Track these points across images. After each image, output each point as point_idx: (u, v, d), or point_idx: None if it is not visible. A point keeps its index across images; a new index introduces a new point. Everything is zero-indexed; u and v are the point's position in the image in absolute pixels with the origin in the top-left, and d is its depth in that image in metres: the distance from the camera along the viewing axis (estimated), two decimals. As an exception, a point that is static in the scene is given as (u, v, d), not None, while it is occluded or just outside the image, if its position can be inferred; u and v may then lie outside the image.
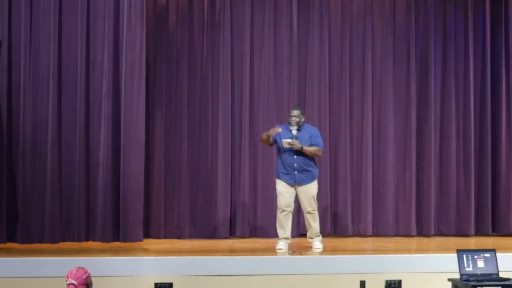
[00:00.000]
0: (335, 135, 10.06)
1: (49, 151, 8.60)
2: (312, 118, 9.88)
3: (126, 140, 8.74)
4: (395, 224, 10.10)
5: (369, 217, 10.01)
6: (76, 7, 8.76)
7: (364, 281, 7.25)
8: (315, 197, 8.37)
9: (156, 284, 7.14)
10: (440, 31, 10.27)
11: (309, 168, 8.29)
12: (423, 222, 10.14)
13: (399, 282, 7.04)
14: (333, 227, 10.00)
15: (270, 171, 9.66)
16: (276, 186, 8.35)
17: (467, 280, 6.51)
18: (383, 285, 7.24)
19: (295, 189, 8.28)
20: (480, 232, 10.19)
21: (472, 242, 9.74)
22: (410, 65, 10.16)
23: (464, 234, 10.10)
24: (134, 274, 7.31)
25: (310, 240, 8.42)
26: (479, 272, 6.63)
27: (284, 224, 8.27)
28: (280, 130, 8.21)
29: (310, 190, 8.30)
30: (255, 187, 9.78)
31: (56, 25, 8.69)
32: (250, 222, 9.74)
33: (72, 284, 4.56)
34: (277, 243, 8.31)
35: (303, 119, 8.38)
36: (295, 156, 8.22)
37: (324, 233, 9.78)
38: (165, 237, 9.49)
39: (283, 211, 8.25)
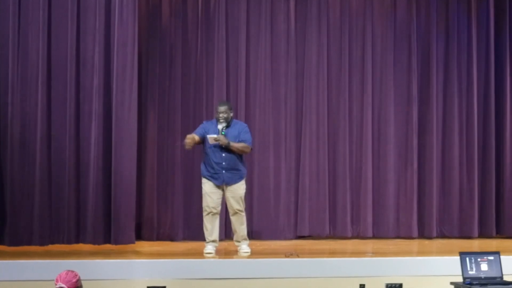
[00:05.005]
0: (334, 134, 9.98)
1: (38, 150, 8.53)
2: (310, 116, 9.85)
3: (117, 139, 8.68)
4: (395, 226, 10.01)
5: (369, 219, 9.92)
6: (66, 2, 8.71)
7: (363, 285, 7.22)
8: (243, 197, 8.17)
9: (148, 288, 7.04)
10: (442, 26, 10.18)
11: (237, 167, 8.06)
12: (425, 224, 10.06)
13: (400, 285, 6.96)
14: (332, 228, 9.91)
15: (267, 171, 9.61)
16: (203, 186, 8.10)
17: (470, 284, 6.43)
18: (383, 288, 7.14)
19: (223, 190, 8.06)
20: (483, 234, 10.11)
21: (476, 244, 9.66)
22: (411, 61, 10.06)
23: (467, 236, 10.04)
24: (126, 277, 7.26)
25: (237, 244, 8.25)
26: (482, 276, 6.54)
27: (211, 227, 8.08)
28: (190, 141, 7.90)
29: (238, 190, 8.09)
30: (251, 187, 9.62)
31: (45, 20, 8.61)
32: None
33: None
34: (205, 247, 8.11)
35: (231, 115, 8.17)
36: (223, 154, 7.99)
37: (322, 235, 9.74)
38: (158, 239, 9.41)
39: (210, 212, 8.04)
